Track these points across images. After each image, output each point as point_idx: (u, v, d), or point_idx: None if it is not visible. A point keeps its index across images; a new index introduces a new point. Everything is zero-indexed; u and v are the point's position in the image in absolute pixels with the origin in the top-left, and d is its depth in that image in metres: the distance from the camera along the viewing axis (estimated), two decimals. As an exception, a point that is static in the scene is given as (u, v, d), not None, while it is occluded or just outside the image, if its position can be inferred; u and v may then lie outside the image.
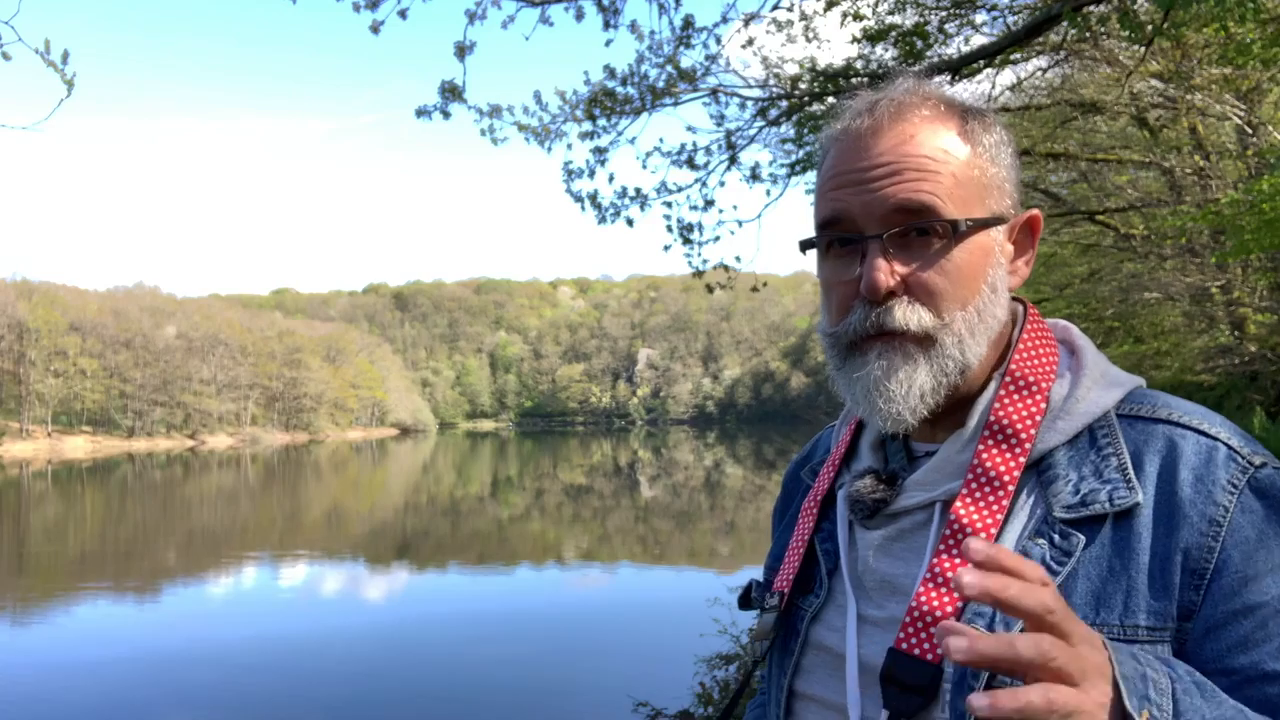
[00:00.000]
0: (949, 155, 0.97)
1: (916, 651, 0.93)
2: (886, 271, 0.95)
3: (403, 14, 7.00)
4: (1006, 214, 1.01)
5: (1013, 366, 1.01)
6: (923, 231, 0.96)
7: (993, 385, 1.01)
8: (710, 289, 9.88)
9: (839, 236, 0.99)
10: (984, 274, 0.98)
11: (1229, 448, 0.92)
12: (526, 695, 9.24)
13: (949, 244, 0.96)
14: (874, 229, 0.96)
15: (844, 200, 0.98)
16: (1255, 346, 15.16)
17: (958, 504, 0.96)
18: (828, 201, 1.00)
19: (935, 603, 0.93)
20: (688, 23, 7.90)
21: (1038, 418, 0.98)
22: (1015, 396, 0.99)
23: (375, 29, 6.96)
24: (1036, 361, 1.02)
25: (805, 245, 1.05)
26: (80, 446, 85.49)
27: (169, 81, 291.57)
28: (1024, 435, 0.97)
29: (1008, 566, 0.69)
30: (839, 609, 1.04)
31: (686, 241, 9.22)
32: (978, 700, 0.66)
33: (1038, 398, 0.99)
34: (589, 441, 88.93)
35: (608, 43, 7.73)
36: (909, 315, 0.96)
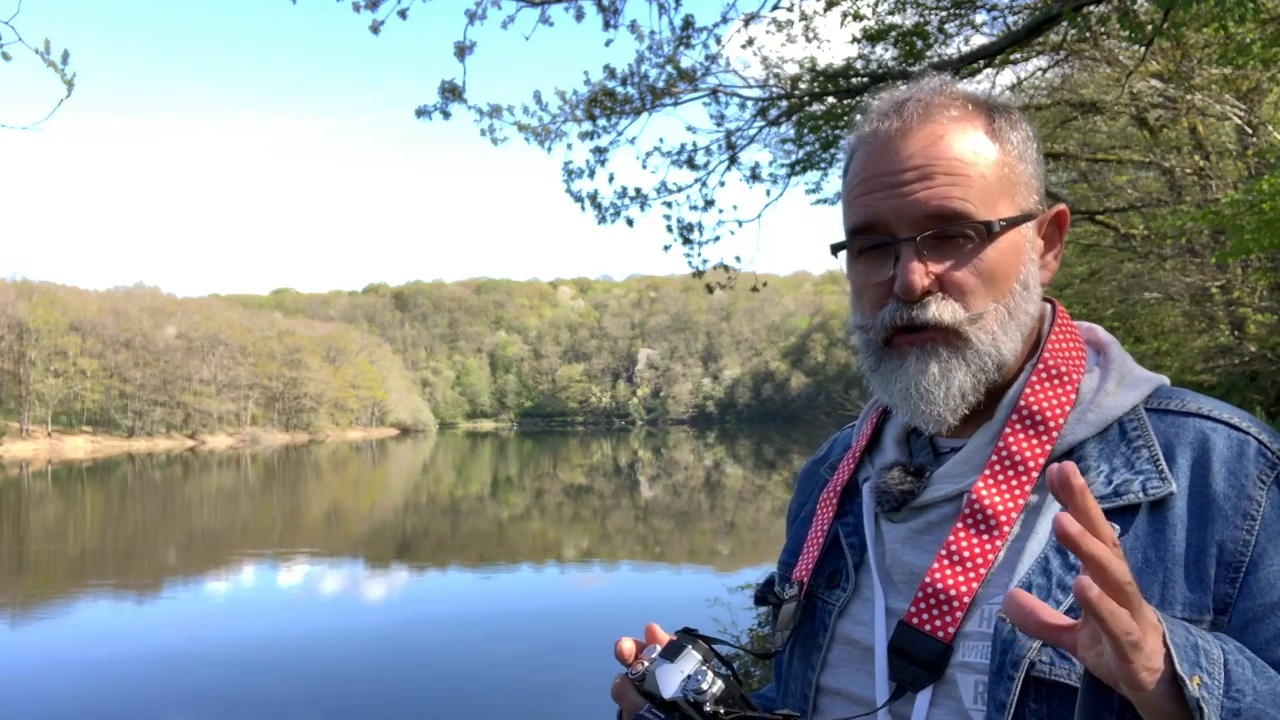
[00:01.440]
0: (978, 155, 0.98)
1: (927, 628, 0.93)
2: (921, 272, 0.96)
3: (403, 14, 7.00)
4: (1035, 210, 1.02)
5: (1045, 356, 1.02)
6: (955, 233, 0.97)
7: (1022, 377, 1.02)
8: (710, 289, 9.88)
9: (872, 241, 1.00)
10: (1016, 271, 0.99)
11: (1259, 442, 0.94)
12: (527, 695, 9.23)
13: (981, 244, 0.97)
14: (907, 232, 0.97)
15: (875, 204, 0.98)
16: (1255, 346, 15.15)
17: (979, 484, 0.96)
18: (859, 206, 1.00)
19: (949, 580, 0.94)
20: (688, 23, 7.90)
21: (1067, 407, 0.98)
22: (1046, 385, 1.00)
23: (375, 29, 6.97)
24: (1067, 355, 1.03)
25: (837, 249, 1.06)
26: (80, 446, 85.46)
27: (169, 81, 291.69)
28: (1052, 423, 0.97)
29: (1093, 517, 0.72)
30: (866, 602, 1.04)
31: (686, 241, 9.23)
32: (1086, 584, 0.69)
33: (1068, 388, 1.00)
34: (589, 441, 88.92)
35: (608, 43, 7.74)
36: (942, 309, 0.97)
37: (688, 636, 0.97)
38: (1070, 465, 0.72)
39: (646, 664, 0.96)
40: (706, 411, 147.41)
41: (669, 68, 8.27)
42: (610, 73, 8.49)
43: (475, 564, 18.45)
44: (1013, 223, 0.99)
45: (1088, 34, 8.16)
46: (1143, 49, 7.24)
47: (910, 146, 0.98)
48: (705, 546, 21.00)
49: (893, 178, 0.98)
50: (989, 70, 9.38)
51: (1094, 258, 18.09)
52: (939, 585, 0.94)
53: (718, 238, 9.22)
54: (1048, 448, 0.96)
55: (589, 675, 9.61)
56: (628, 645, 1.00)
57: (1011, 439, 0.97)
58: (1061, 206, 1.06)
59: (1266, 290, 14.80)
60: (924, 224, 0.96)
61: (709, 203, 9.16)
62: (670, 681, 0.93)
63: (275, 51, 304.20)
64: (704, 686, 0.92)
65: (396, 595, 15.40)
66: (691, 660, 0.94)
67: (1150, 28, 5.82)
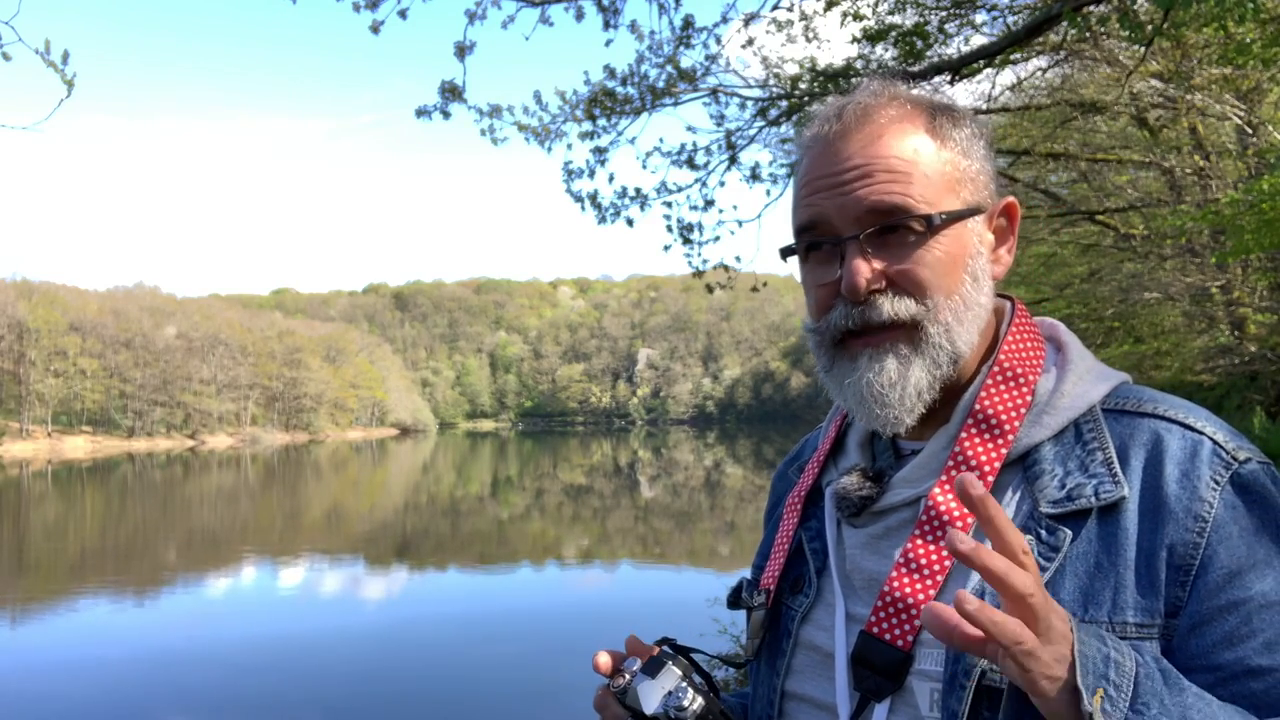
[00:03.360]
0: (918, 153, 0.98)
1: (887, 637, 0.94)
2: (866, 271, 0.96)
3: (403, 14, 7.00)
4: (983, 204, 1.02)
5: (1001, 358, 1.01)
6: (898, 229, 0.97)
7: (979, 379, 1.02)
8: (710, 289, 9.87)
9: (816, 240, 1.00)
10: (964, 264, 0.99)
11: (1214, 442, 0.92)
12: (526, 695, 9.23)
13: (925, 238, 0.97)
14: (850, 230, 0.97)
15: (819, 205, 0.99)
16: (1255, 346, 15.15)
17: (935, 490, 0.96)
18: (804, 207, 1.01)
19: (907, 589, 0.94)
20: (688, 23, 7.90)
21: (1022, 410, 0.98)
22: (1001, 387, 0.99)
23: (375, 29, 6.97)
24: (1023, 355, 1.02)
25: (786, 252, 1.06)
26: (80, 446, 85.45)
27: (169, 81, 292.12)
28: (1007, 426, 0.97)
29: (997, 525, 0.76)
30: (828, 608, 1.04)
31: (686, 241, 9.22)
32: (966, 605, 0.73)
33: (1024, 389, 0.99)
34: (589, 441, 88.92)
35: (608, 43, 7.74)
36: (895, 306, 0.97)
37: (668, 652, 0.99)
38: (969, 476, 0.75)
39: (628, 677, 0.98)
40: (706, 411, 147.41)
41: (669, 68, 8.27)
42: (610, 73, 8.49)
43: (475, 564, 18.45)
44: (955, 216, 0.98)
45: (1088, 34, 8.15)
46: (1143, 49, 7.24)
47: (850, 147, 0.98)
48: (705, 546, 21.00)
49: (834, 178, 0.98)
50: (989, 70, 9.37)
51: (1094, 258, 18.08)
52: (898, 594, 0.94)
53: (718, 238, 9.22)
54: (1003, 451, 0.96)
55: (588, 676, 9.59)
56: (604, 659, 1.02)
57: (967, 443, 0.97)
58: (1010, 199, 1.05)
59: (1266, 290, 14.80)
60: (866, 220, 0.96)
61: (709, 203, 9.15)
62: (651, 698, 0.95)
63: (275, 51, 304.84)
64: (685, 704, 0.94)
65: (396, 595, 15.40)
66: (672, 676, 0.96)
67: (1150, 28, 5.82)
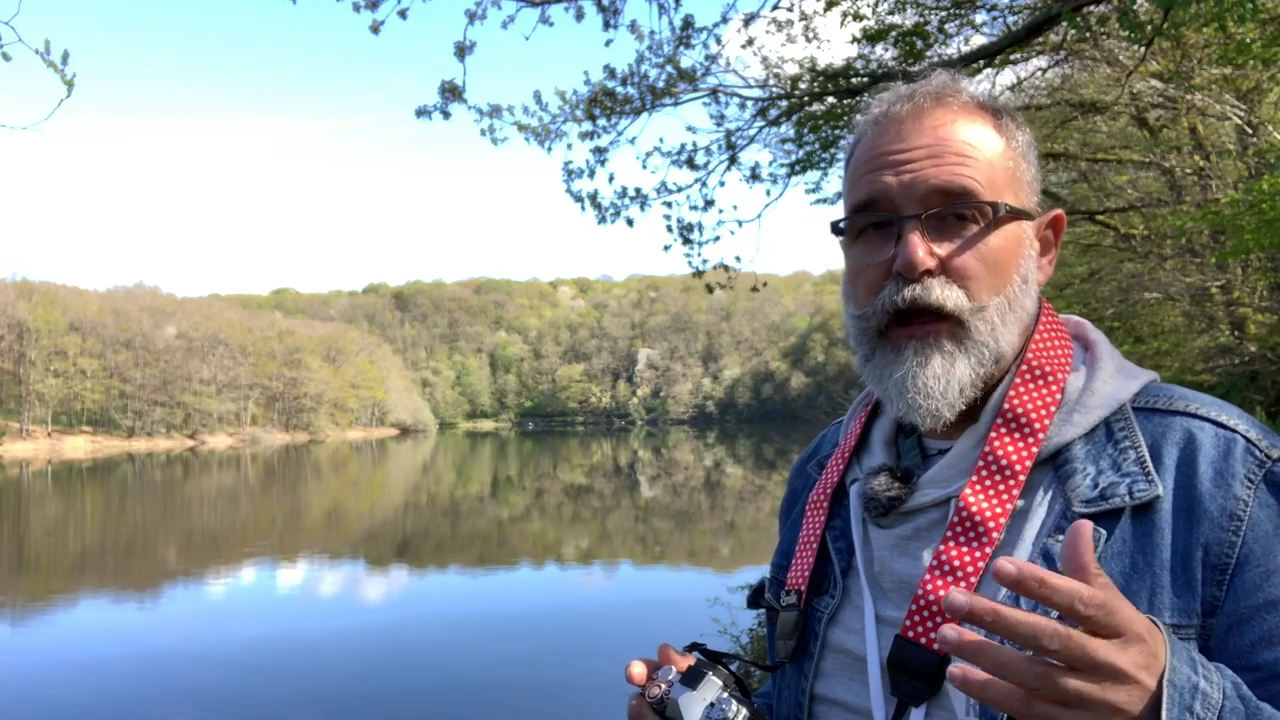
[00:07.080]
0: (986, 144, 0.98)
1: (922, 641, 0.92)
2: (924, 249, 0.95)
3: (403, 14, 7.00)
4: (1034, 211, 1.02)
5: (1029, 356, 1.00)
6: (959, 216, 0.96)
7: (1008, 378, 1.01)
8: (710, 289, 9.87)
9: (876, 218, 0.99)
10: (1016, 263, 0.99)
11: (1247, 440, 0.92)
12: (527, 695, 9.24)
13: (986, 229, 0.96)
14: (912, 209, 0.96)
15: (882, 181, 0.98)
16: (1255, 346, 15.14)
17: (966, 491, 0.95)
18: (864, 183, 0.99)
19: (941, 592, 0.92)
20: (687, 23, 7.90)
21: (1052, 408, 0.97)
22: (1030, 386, 0.98)
23: (375, 29, 6.97)
24: (1052, 353, 1.01)
25: (837, 227, 1.04)
26: (80, 446, 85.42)
27: (169, 81, 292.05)
28: (1038, 425, 0.96)
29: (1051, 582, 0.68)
30: (856, 610, 1.02)
31: (686, 241, 9.22)
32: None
33: (1053, 388, 0.98)
34: (589, 441, 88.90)
35: (608, 43, 7.73)
36: (945, 294, 0.95)
37: (705, 661, 0.97)
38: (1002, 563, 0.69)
39: (664, 687, 0.95)
40: (706, 411, 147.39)
41: (669, 68, 8.26)
42: (610, 73, 8.48)
43: (475, 564, 18.45)
44: (1017, 213, 0.98)
45: (1088, 34, 8.15)
46: (1143, 49, 7.24)
47: (921, 127, 0.98)
48: (705, 546, 21.00)
49: (902, 155, 0.97)
50: (989, 70, 9.36)
51: (1094, 258, 18.08)
52: (932, 596, 0.93)
53: (718, 238, 9.21)
54: (1034, 450, 0.95)
55: (589, 675, 9.61)
56: (638, 669, 0.98)
57: (997, 443, 0.96)
58: (1058, 211, 1.05)
59: (1266, 290, 14.79)
60: (930, 200, 0.96)
61: (709, 203, 9.15)
62: (693, 710, 0.93)
63: (275, 51, 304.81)
64: (729, 716, 0.92)
65: (396, 595, 15.40)
66: (713, 687, 0.94)
67: (1150, 28, 5.81)
